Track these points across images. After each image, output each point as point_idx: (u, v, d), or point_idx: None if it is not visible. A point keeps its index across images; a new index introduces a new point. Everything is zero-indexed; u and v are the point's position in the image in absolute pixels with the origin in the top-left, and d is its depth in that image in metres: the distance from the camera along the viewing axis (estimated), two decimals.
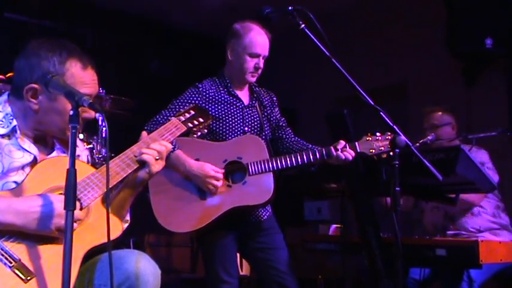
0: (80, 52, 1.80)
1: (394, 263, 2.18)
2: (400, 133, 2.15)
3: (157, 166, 1.84)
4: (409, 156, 2.34)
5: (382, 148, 2.59)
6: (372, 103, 2.10)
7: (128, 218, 1.95)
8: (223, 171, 2.60)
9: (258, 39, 2.70)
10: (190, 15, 6.20)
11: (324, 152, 2.63)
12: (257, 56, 2.72)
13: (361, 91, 2.10)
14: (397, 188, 2.12)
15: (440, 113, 3.59)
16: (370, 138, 2.62)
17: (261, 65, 2.75)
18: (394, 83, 5.64)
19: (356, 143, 2.63)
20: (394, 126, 2.15)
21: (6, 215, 1.55)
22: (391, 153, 2.26)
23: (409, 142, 2.16)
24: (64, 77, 1.71)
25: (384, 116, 2.11)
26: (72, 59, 1.75)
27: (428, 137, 3.34)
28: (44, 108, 1.75)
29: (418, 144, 3.23)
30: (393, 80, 5.62)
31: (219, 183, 2.57)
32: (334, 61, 2.02)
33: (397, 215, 2.13)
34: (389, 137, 2.55)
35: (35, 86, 1.72)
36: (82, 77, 1.76)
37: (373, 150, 2.60)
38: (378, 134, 2.61)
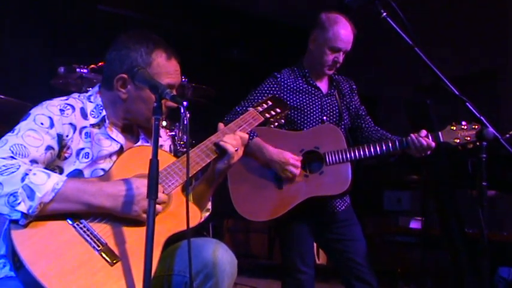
0: (165, 44, 1.87)
1: (479, 261, 2.08)
2: (488, 125, 2.03)
3: (235, 158, 1.88)
4: (497, 149, 2.21)
5: (468, 138, 2.47)
6: (458, 93, 2.00)
7: (209, 206, 2.00)
8: (301, 158, 2.60)
9: (342, 33, 2.63)
10: (273, 3, 6.20)
11: (404, 141, 2.55)
12: (338, 50, 2.66)
13: (446, 81, 2.00)
14: (484, 183, 2.02)
15: None
16: (455, 128, 2.51)
17: (341, 59, 2.69)
18: (483, 71, 5.35)
19: (439, 133, 2.53)
20: (482, 118, 2.04)
21: (98, 197, 1.64)
22: (478, 143, 2.15)
23: (498, 134, 2.04)
24: (150, 67, 1.79)
25: (470, 106, 2.00)
26: (158, 50, 1.83)
27: None
28: (131, 97, 1.84)
29: (508, 135, 3.04)
30: (482, 67, 5.33)
31: (297, 171, 2.57)
32: (418, 50, 1.94)
33: (483, 210, 2.02)
34: (476, 127, 2.43)
35: (124, 76, 1.81)
36: (166, 67, 1.83)
37: (458, 140, 2.49)
38: (463, 122, 2.50)
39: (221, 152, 1.88)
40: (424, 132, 2.53)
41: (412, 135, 2.53)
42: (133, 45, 1.82)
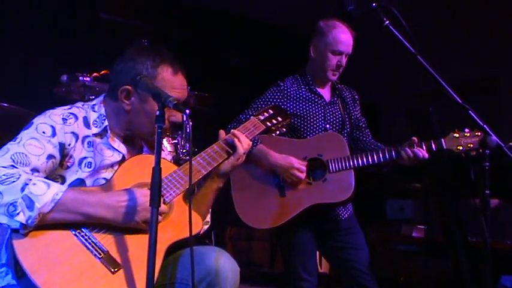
0: (172, 58, 1.87)
1: (482, 269, 2.08)
2: (491, 133, 2.03)
3: (241, 159, 1.91)
4: (500, 157, 2.20)
5: (471, 145, 2.47)
6: (460, 101, 1.99)
7: (208, 219, 2.00)
8: (306, 163, 2.60)
9: (342, 37, 2.66)
10: (275, 10, 6.22)
11: (392, 152, 2.55)
12: (340, 53, 2.68)
13: (449, 89, 1.99)
14: (487, 191, 2.01)
15: None
16: (458, 135, 2.51)
17: (343, 63, 2.71)
18: (486, 77, 5.34)
19: (442, 140, 2.53)
20: (485, 126, 2.03)
21: (97, 208, 1.64)
22: (481, 151, 2.15)
23: (501, 143, 2.03)
24: (155, 81, 1.79)
25: (473, 115, 2.00)
26: (164, 64, 1.83)
27: None
28: (135, 109, 1.84)
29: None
30: (485, 73, 5.33)
31: (302, 175, 2.57)
32: (420, 58, 1.94)
33: (486, 219, 2.02)
34: (479, 134, 2.43)
35: (129, 87, 1.81)
36: (172, 82, 1.83)
37: (461, 147, 2.49)
38: (466, 130, 2.50)
39: (229, 153, 1.90)
40: (415, 140, 2.53)
41: (402, 145, 2.54)
42: (140, 57, 1.83)
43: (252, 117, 2.12)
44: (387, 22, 1.97)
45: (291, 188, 2.61)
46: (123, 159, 1.86)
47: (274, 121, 2.12)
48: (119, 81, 1.84)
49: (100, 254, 1.62)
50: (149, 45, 1.91)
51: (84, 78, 3.60)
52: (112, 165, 1.83)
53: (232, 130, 1.96)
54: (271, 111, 2.15)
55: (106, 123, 1.86)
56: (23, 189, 1.56)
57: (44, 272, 1.53)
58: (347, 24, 2.68)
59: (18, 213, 1.54)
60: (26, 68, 5.02)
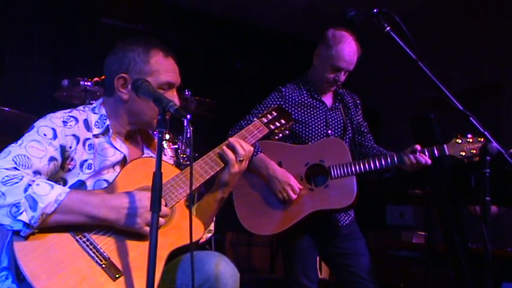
0: (162, 45, 1.89)
1: (483, 276, 2.07)
2: (492, 140, 2.03)
3: (236, 167, 1.87)
4: (501, 164, 2.20)
5: (474, 151, 2.46)
6: (461, 108, 1.99)
7: (212, 227, 1.99)
8: (301, 187, 2.59)
9: (345, 53, 2.61)
10: (275, 16, 6.24)
11: (395, 157, 2.55)
12: (339, 69, 2.65)
13: (450, 95, 1.99)
14: (487, 198, 2.01)
15: None
16: (461, 141, 2.50)
17: (341, 79, 2.69)
18: (487, 84, 5.35)
19: (445, 146, 2.52)
20: (486, 132, 2.03)
21: (100, 209, 1.64)
22: (483, 155, 2.14)
23: (502, 149, 2.03)
24: (149, 65, 1.82)
25: (474, 121, 2.00)
26: (155, 49, 1.86)
27: None
28: (133, 97, 1.84)
29: None
30: (486, 80, 5.33)
31: (294, 196, 2.56)
32: (421, 64, 1.94)
33: (487, 226, 2.01)
34: (482, 139, 2.42)
35: (124, 75, 1.83)
36: (165, 65, 1.85)
37: (464, 153, 2.48)
38: (469, 135, 2.49)
39: (225, 162, 1.88)
40: (418, 148, 2.53)
41: (405, 151, 2.54)
42: (130, 46, 1.86)
43: (255, 119, 2.11)
44: (388, 28, 1.98)
45: (284, 201, 2.58)
46: (125, 160, 1.86)
47: (278, 124, 2.10)
48: (113, 72, 1.86)
49: (101, 261, 1.61)
50: (137, 37, 1.92)
51: (85, 83, 3.61)
52: (113, 166, 1.83)
53: (229, 139, 1.92)
54: (275, 113, 2.13)
55: (108, 122, 1.87)
56: (26, 190, 1.56)
57: (45, 278, 1.52)
58: (355, 39, 2.64)
59: (21, 213, 1.54)
60: (27, 72, 5.02)
